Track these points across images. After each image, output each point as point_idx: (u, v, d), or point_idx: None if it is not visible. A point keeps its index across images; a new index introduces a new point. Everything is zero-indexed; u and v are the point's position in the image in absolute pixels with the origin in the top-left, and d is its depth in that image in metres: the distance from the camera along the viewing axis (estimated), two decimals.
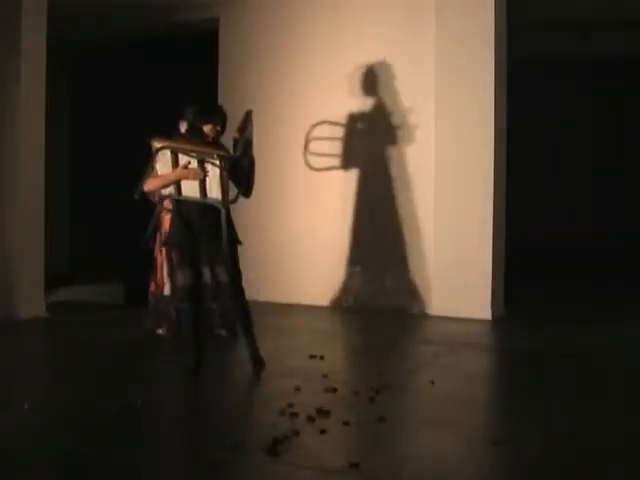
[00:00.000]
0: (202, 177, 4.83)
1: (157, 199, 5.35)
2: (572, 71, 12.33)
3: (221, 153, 4.83)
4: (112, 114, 10.58)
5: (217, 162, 4.77)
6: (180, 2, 8.95)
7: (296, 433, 3.91)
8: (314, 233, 8.35)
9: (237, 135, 4.93)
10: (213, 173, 4.82)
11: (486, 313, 7.42)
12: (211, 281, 5.13)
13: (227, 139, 5.17)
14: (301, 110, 8.38)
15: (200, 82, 9.55)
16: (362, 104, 8.16)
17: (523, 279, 9.37)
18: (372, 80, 8.13)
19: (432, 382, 4.96)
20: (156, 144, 4.87)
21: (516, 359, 5.96)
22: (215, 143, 5.10)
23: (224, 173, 4.79)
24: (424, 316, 7.62)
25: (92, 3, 8.93)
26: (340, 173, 8.23)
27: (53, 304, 7.73)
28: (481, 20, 7.48)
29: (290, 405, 4.39)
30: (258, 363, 5.23)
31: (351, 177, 8.20)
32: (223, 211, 4.92)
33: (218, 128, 5.09)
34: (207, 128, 5.06)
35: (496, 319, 7.44)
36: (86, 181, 10.99)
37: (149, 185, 4.97)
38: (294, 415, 4.22)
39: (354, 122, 8.21)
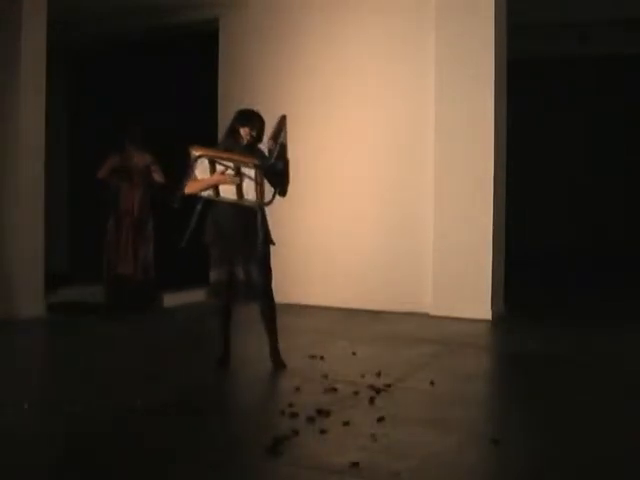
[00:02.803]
0: (238, 182, 5.08)
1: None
2: (572, 71, 12.33)
3: (257, 162, 5.03)
4: (112, 114, 10.57)
5: (252, 170, 5.02)
6: (180, 3, 8.95)
7: (296, 433, 3.91)
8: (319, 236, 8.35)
9: (271, 143, 5.12)
10: (249, 177, 5.06)
11: (486, 313, 7.42)
12: (243, 279, 5.26)
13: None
14: (301, 110, 8.37)
15: (200, 82, 9.56)
16: (362, 104, 8.17)
17: (523, 279, 9.38)
18: (372, 81, 8.13)
19: (432, 382, 4.96)
20: (195, 152, 5.09)
21: (516, 359, 5.96)
22: (250, 147, 5.27)
23: (259, 179, 5.05)
24: (425, 316, 7.63)
25: (92, 4, 8.93)
26: (338, 175, 8.22)
27: (53, 304, 7.73)
28: (481, 20, 7.48)
29: (290, 405, 4.40)
30: (277, 365, 5.36)
31: (350, 178, 8.20)
32: (259, 212, 5.16)
33: (254, 133, 5.28)
34: (243, 131, 5.26)
35: (496, 319, 7.44)
36: (85, 181, 10.97)
37: (190, 189, 5.19)
38: (294, 415, 4.22)
39: (353, 122, 8.21)
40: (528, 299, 8.70)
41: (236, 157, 5.10)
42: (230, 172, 5.07)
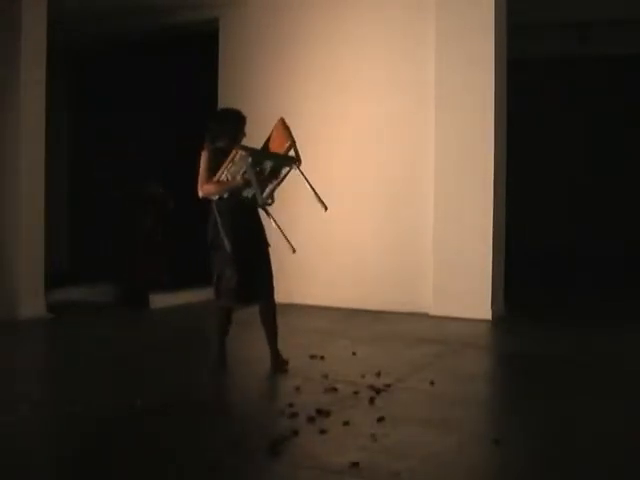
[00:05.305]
0: (270, 182, 5.13)
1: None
2: (572, 71, 12.33)
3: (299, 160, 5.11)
4: (111, 114, 10.58)
5: (287, 169, 5.11)
6: (180, 3, 8.95)
7: (296, 433, 3.92)
8: (313, 235, 8.34)
9: (292, 142, 5.12)
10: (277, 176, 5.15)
11: (486, 313, 7.42)
12: (260, 280, 5.29)
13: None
14: (301, 109, 8.36)
15: (200, 82, 9.56)
16: (362, 104, 8.16)
17: (523, 279, 9.37)
18: (371, 81, 8.13)
19: (432, 382, 4.96)
20: (243, 152, 4.98)
21: (515, 359, 5.95)
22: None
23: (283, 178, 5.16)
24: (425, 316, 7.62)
25: (92, 4, 8.93)
26: (337, 173, 8.21)
27: (54, 304, 7.73)
28: (481, 20, 7.47)
29: (290, 405, 4.40)
30: (278, 368, 5.32)
31: (350, 178, 8.19)
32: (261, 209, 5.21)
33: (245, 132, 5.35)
34: (242, 132, 5.29)
35: (496, 319, 7.43)
36: (85, 181, 10.99)
37: (217, 189, 5.10)
38: (294, 415, 4.22)
39: (353, 121, 8.20)
40: (528, 299, 8.69)
41: (284, 156, 5.10)
42: (266, 173, 5.07)
